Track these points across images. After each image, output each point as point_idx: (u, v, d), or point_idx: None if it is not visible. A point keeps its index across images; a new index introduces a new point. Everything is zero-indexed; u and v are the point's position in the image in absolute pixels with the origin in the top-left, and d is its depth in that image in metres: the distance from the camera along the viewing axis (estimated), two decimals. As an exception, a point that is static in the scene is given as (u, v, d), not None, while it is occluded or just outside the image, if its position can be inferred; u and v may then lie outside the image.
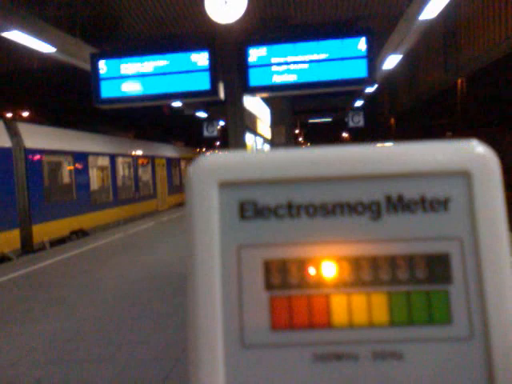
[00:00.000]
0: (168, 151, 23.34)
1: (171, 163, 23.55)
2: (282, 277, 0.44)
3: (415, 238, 0.44)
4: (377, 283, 0.44)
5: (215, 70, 7.89)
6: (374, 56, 7.38)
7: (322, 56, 7.53)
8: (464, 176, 0.43)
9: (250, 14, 7.52)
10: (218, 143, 40.42)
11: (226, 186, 0.44)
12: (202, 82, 7.91)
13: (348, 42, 7.43)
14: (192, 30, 8.56)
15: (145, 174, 20.40)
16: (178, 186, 24.46)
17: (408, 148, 0.45)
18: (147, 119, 20.32)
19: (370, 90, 14.15)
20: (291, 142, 14.59)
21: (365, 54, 7.29)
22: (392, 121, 29.44)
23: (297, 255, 0.44)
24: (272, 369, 0.42)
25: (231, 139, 8.41)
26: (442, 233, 0.43)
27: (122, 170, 18.29)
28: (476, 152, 0.44)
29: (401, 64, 11.33)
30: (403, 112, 22.85)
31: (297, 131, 32.66)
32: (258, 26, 8.30)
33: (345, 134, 47.65)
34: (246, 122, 9.11)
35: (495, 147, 0.47)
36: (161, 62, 7.98)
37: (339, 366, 0.42)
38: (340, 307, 0.44)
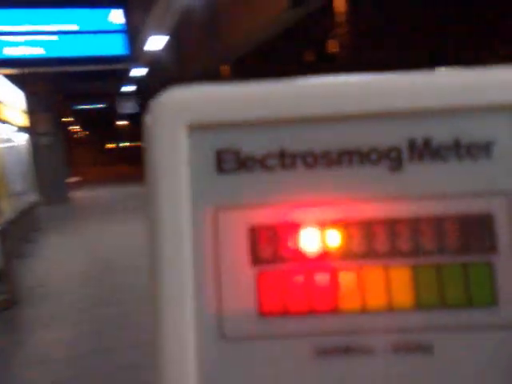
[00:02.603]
0: None
1: None
2: (274, 247, 0.35)
3: (447, 194, 0.35)
4: (397, 254, 0.35)
5: None
6: (134, 31, 6.72)
7: (71, 27, 6.54)
8: (511, 112, 0.35)
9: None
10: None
11: (198, 129, 0.35)
12: None
13: (102, 12, 6.59)
14: None
15: None
16: None
17: (435, 77, 0.36)
18: None
19: (139, 73, 13.49)
20: (60, 130, 13.12)
21: (122, 27, 6.58)
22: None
23: (292, 219, 0.35)
24: (260, 367, 0.34)
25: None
26: (484, 186, 0.35)
27: None
28: None
29: (171, 47, 10.93)
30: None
31: (70, 119, 30.05)
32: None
33: (122, 122, 46.16)
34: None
35: None
36: None
37: (349, 362, 0.35)
38: (349, 286, 0.35)
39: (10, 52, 6.48)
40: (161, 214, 0.35)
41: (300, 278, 0.36)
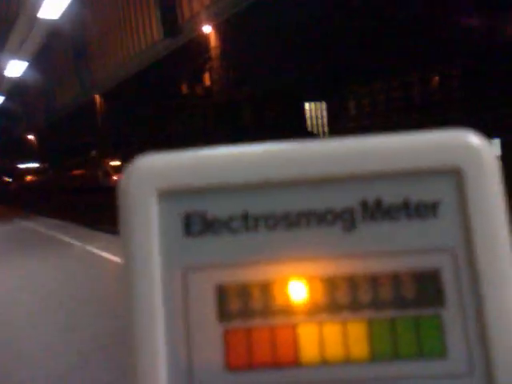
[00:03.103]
0: None
1: None
2: (239, 304, 0.38)
3: (398, 251, 0.38)
4: (355, 308, 0.38)
5: None
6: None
7: None
8: (454, 174, 0.38)
9: None
10: None
11: (167, 195, 0.38)
12: None
13: None
14: None
15: None
16: None
17: (385, 142, 0.38)
18: None
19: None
20: None
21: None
22: (33, 138, 27.30)
23: (256, 277, 0.38)
24: None
25: None
26: (431, 244, 0.38)
27: None
28: (468, 143, 0.37)
29: (36, 76, 10.19)
30: (44, 128, 21.35)
31: None
32: None
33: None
34: None
35: None
36: None
37: None
38: (310, 340, 0.38)
39: None
40: (133, 275, 0.37)
41: (264, 333, 0.37)
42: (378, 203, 0.38)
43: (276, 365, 0.37)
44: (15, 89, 11.91)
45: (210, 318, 0.36)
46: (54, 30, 7.14)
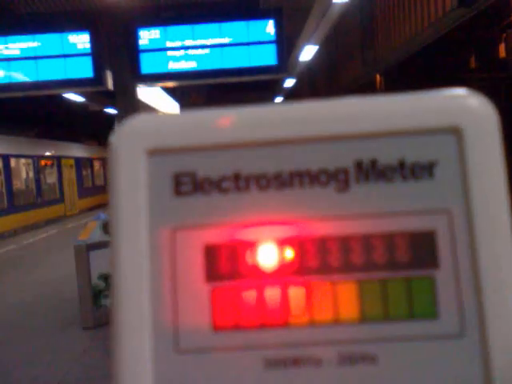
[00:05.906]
0: (77, 151, 22.21)
1: (82, 164, 22.49)
2: (228, 265, 0.37)
3: (392, 213, 0.37)
4: (345, 270, 0.37)
5: (99, 54, 6.78)
6: (284, 41, 6.61)
7: (226, 40, 6.64)
8: (453, 134, 0.37)
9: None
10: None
11: (156, 154, 0.37)
12: (84, 69, 6.75)
13: (254, 24, 6.57)
14: (70, 8, 7.28)
15: (50, 177, 18.91)
16: (90, 189, 23.34)
17: (381, 102, 0.38)
18: (53, 116, 18.67)
19: (289, 84, 13.61)
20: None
21: (274, 38, 6.51)
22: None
23: (246, 238, 0.37)
24: (214, 378, 0.36)
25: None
26: (426, 205, 0.37)
27: (19, 172, 16.56)
28: (468, 103, 0.36)
29: (320, 57, 10.77)
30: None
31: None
32: (149, 4, 7.21)
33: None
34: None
35: None
36: (29, 43, 6.67)
37: (297, 373, 0.36)
38: (299, 301, 0.37)
39: (173, 66, 6.82)
40: (120, 234, 0.36)
41: (252, 294, 0.36)
42: (373, 164, 0.36)
43: (264, 326, 0.36)
44: (305, 71, 12.87)
45: (197, 278, 0.36)
46: (344, 12, 7.34)
